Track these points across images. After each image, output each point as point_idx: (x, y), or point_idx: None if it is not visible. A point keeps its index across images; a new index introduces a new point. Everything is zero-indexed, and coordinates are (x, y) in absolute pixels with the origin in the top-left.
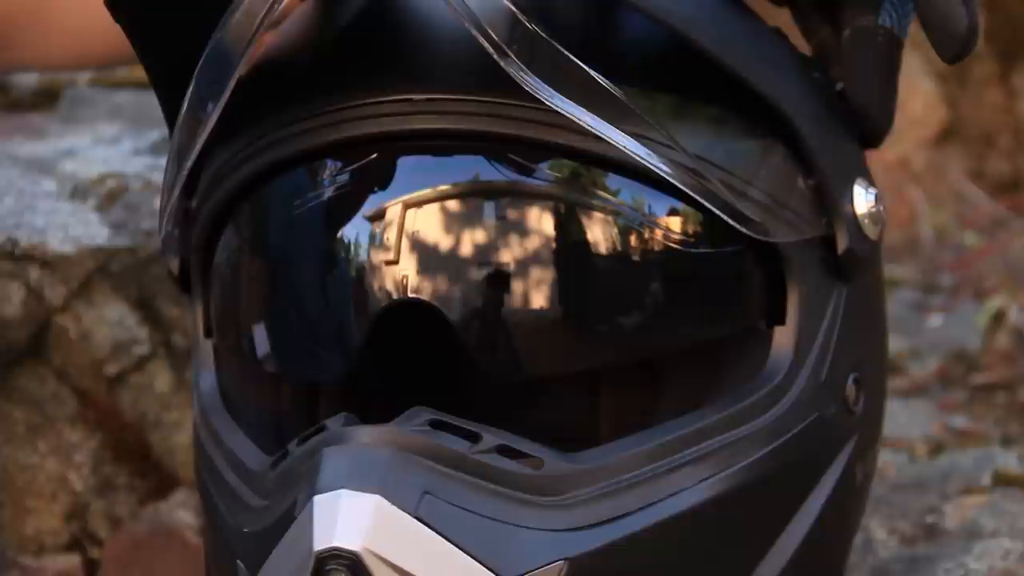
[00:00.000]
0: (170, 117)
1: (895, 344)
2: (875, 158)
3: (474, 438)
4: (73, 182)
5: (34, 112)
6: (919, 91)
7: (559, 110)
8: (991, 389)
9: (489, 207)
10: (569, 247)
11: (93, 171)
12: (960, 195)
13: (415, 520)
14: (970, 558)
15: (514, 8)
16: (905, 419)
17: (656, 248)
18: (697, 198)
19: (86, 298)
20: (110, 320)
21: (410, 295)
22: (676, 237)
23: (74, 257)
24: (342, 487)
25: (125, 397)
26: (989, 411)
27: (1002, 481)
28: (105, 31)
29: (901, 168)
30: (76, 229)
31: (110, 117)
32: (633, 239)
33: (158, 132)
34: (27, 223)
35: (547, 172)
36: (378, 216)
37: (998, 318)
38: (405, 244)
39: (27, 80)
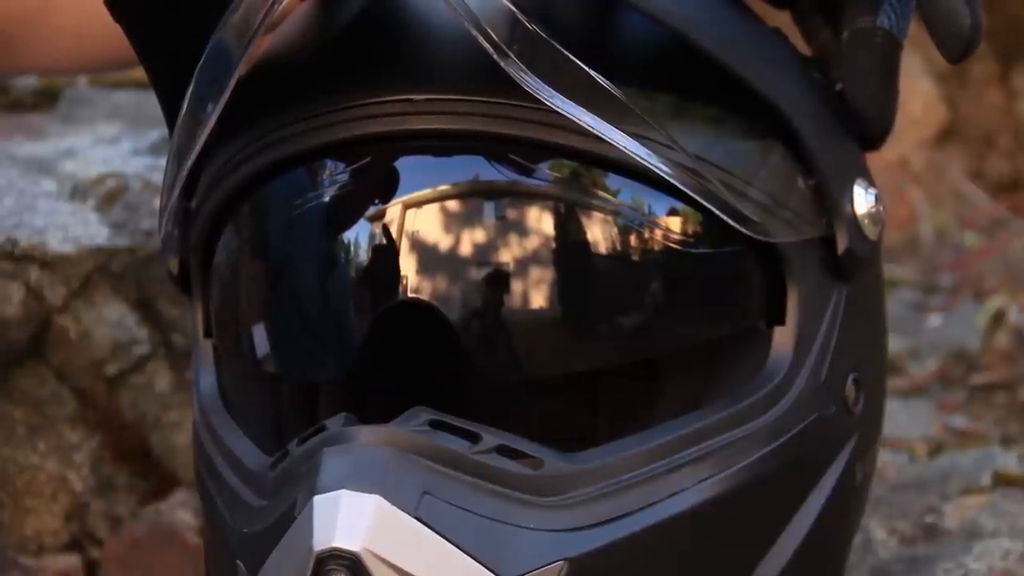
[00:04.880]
0: (170, 117)
1: (895, 344)
2: (875, 158)
3: (474, 438)
4: (73, 182)
5: (34, 112)
6: (919, 91)
7: (559, 110)
8: (991, 389)
9: (489, 207)
10: (569, 247)
11: (93, 171)
12: (960, 195)
13: (415, 520)
14: (970, 558)
15: (514, 8)
16: (905, 419)
17: (656, 248)
18: (697, 198)
19: (86, 298)
20: (110, 320)
21: (410, 295)
22: (676, 237)
23: (74, 257)
24: (342, 487)
25: (125, 397)
26: (989, 411)
27: (1002, 481)
28: (108, 33)
29: (901, 168)
30: (76, 229)
31: (110, 117)
32: (633, 239)
33: (158, 132)
34: (27, 223)
35: (547, 172)
36: (378, 216)
37: (998, 318)
38: (405, 244)
39: (27, 80)
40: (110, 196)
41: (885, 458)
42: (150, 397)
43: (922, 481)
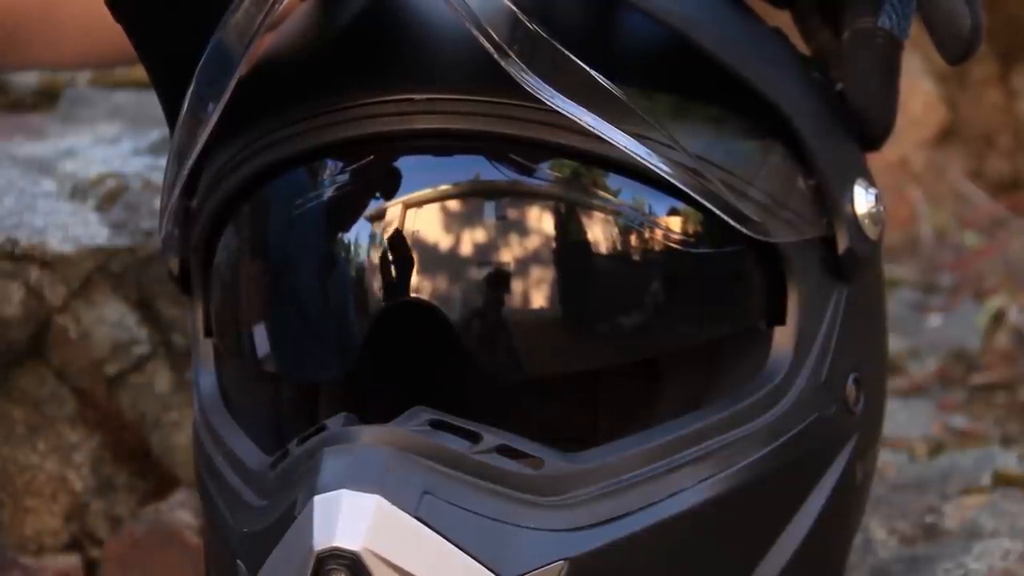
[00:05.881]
0: (171, 117)
1: (895, 344)
2: (875, 158)
3: (474, 438)
4: (73, 182)
5: (34, 112)
6: (919, 91)
7: (560, 110)
8: (991, 389)
9: (489, 207)
10: (569, 247)
11: (93, 171)
12: (960, 195)
13: (415, 520)
14: (970, 558)
15: (515, 8)
16: (905, 419)
17: (656, 248)
18: (697, 198)
19: (86, 298)
20: (110, 320)
21: (410, 295)
22: (676, 237)
23: (74, 257)
24: (342, 487)
25: (125, 397)
26: (989, 411)
27: (1002, 481)
28: (113, 29)
29: (901, 168)
30: (76, 229)
31: (110, 117)
32: (633, 239)
33: (158, 132)
34: (27, 223)
35: (547, 172)
36: (378, 216)
37: (998, 318)
38: (405, 244)
39: (27, 80)
40: (110, 196)
41: (885, 458)
42: (150, 397)
43: (922, 481)
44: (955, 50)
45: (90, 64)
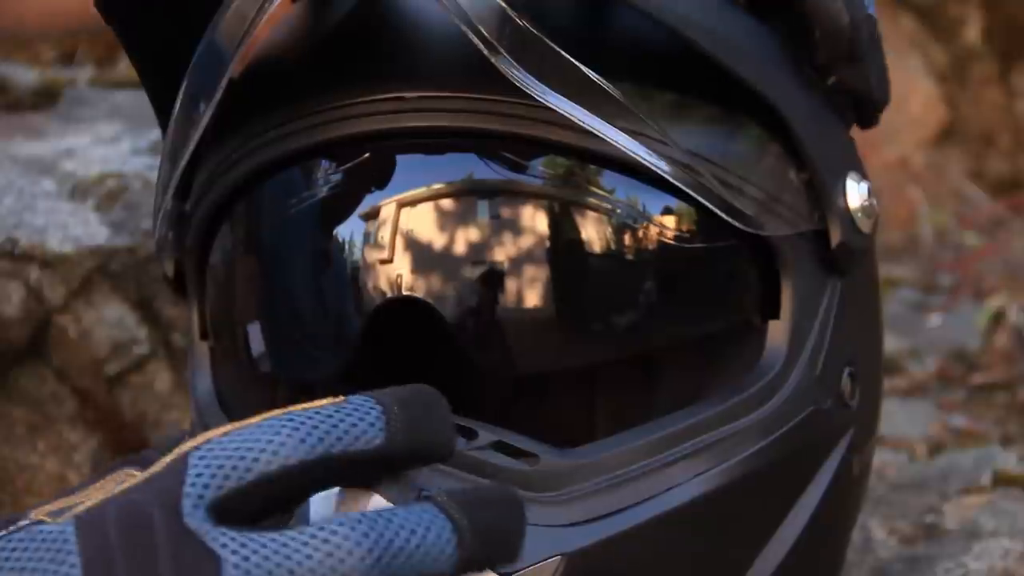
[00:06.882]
0: (161, 116)
1: (895, 344)
2: (875, 158)
3: (470, 435)
4: (73, 182)
5: (34, 112)
6: (919, 91)
7: (551, 106)
8: (991, 389)
9: (482, 205)
10: (563, 244)
11: (93, 171)
12: (960, 195)
13: None
14: (970, 558)
15: (504, 5)
16: (904, 419)
17: (650, 244)
18: (691, 193)
19: (86, 298)
20: (110, 320)
21: (404, 293)
22: (670, 233)
23: (74, 257)
24: (338, 485)
25: (125, 397)
26: (989, 411)
27: (1002, 481)
28: (79, 10)
29: (901, 168)
30: (76, 229)
31: (110, 117)
32: (627, 235)
33: (157, 132)
34: (27, 223)
35: (540, 169)
36: (371, 215)
37: (998, 318)
38: (399, 242)
39: (27, 80)
40: (110, 196)
41: (885, 458)
42: (150, 397)
43: (922, 481)
44: (832, 51)
45: (56, 27)
